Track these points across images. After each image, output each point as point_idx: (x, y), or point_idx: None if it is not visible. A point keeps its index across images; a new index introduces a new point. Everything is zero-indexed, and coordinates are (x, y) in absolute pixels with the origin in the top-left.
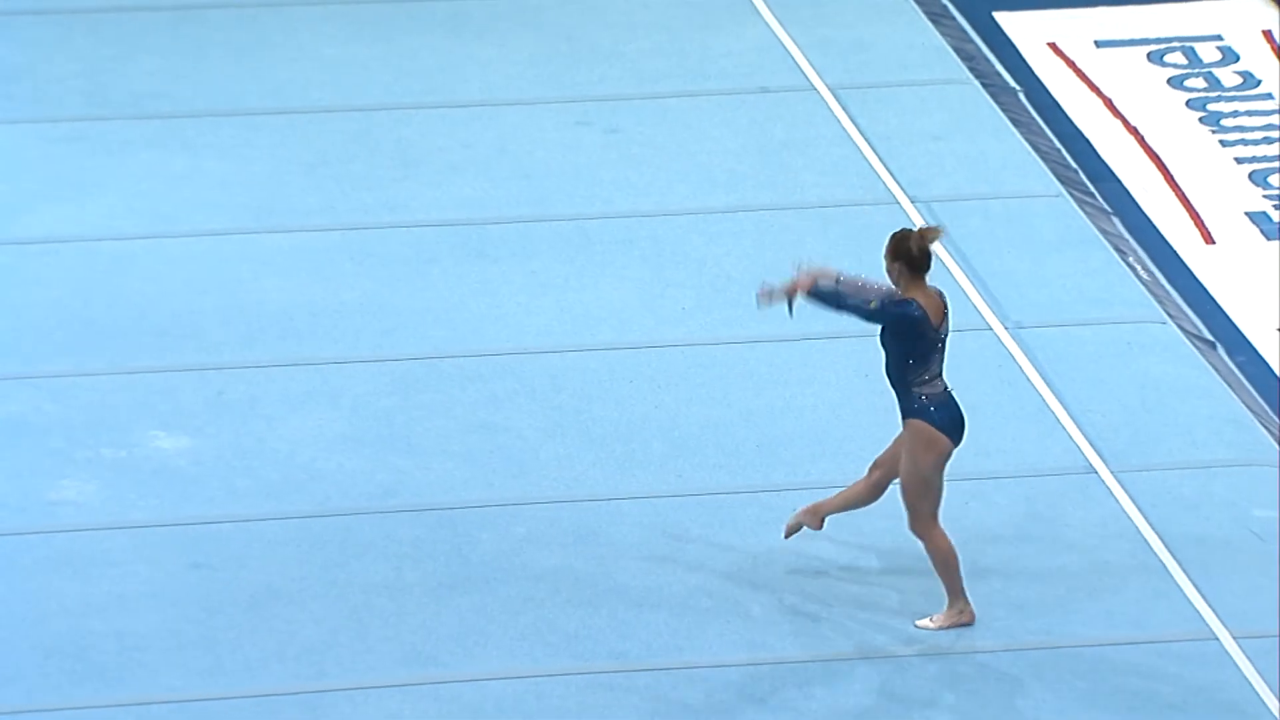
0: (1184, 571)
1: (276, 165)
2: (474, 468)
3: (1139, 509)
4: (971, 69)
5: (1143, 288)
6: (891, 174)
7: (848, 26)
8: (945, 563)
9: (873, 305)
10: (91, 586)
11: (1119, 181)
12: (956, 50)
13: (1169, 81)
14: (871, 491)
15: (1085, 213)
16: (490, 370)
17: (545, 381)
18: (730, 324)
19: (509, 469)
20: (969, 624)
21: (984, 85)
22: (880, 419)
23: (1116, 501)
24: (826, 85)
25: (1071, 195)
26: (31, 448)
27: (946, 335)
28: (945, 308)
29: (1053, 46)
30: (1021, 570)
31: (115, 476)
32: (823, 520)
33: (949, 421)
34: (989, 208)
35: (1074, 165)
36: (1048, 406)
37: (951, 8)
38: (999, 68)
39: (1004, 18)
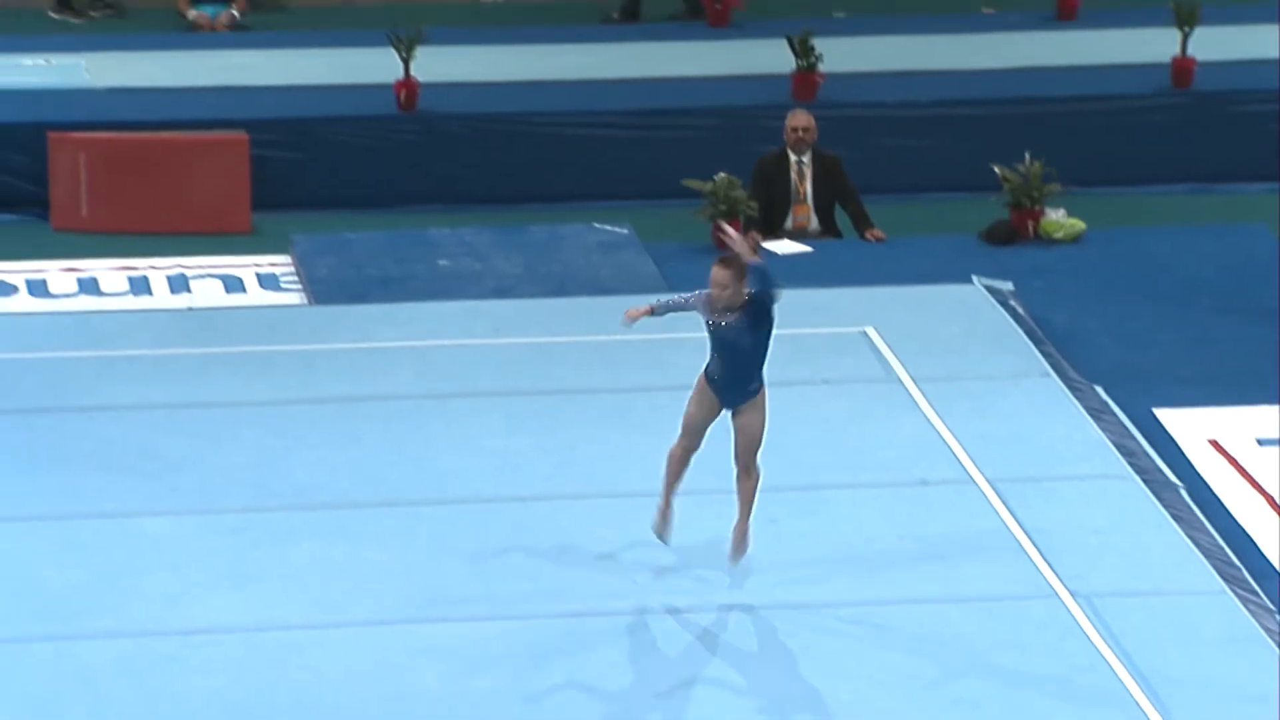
0: None
1: (437, 554)
2: None
3: None
4: (1132, 464)
5: None
6: (1051, 567)
7: (1006, 420)
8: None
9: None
10: None
11: None
12: (1117, 445)
13: None
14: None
15: (1249, 610)
16: None
17: None
18: (893, 714)
19: None
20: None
21: (1145, 481)
22: None
23: None
24: (985, 478)
25: (1234, 593)
26: None
27: (731, 329)
28: (727, 303)
29: (1214, 443)
30: None
31: None
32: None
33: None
34: (1151, 604)
35: (1237, 563)
36: None
37: (1112, 403)
38: (1160, 463)
39: (1164, 414)
